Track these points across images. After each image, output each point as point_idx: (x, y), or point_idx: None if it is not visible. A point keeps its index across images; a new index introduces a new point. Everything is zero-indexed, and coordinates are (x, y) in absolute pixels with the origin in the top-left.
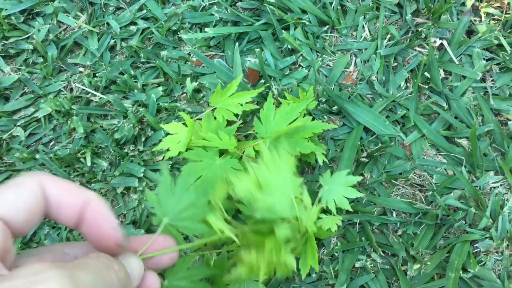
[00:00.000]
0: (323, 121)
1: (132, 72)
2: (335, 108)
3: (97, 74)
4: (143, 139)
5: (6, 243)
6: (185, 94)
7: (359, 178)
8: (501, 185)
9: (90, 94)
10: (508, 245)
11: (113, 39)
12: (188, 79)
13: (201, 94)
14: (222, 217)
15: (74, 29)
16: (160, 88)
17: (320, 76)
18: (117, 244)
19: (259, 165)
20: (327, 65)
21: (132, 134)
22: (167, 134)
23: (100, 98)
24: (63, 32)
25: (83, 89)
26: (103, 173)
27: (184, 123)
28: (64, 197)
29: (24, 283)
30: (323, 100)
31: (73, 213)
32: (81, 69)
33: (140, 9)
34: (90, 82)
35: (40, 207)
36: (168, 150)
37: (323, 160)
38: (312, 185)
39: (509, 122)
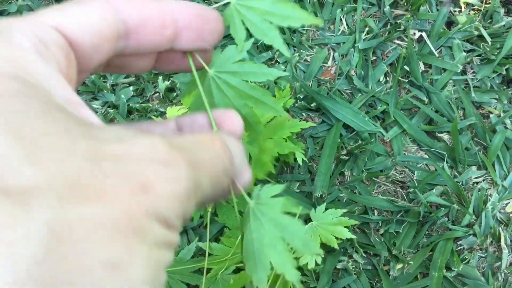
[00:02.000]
0: (301, 119)
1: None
2: (313, 104)
3: None
4: None
5: (69, 69)
6: (157, 94)
7: (354, 222)
8: (483, 180)
9: None
10: (492, 242)
11: None
12: (161, 78)
13: (175, 93)
14: None
15: None
16: (131, 88)
17: (297, 71)
18: (222, 26)
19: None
20: (304, 60)
21: None
22: None
23: None
24: None
25: None
26: None
27: None
28: (146, 11)
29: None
30: (301, 97)
31: (163, 26)
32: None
33: None
34: None
35: (112, 31)
36: None
37: (302, 159)
38: (291, 185)
39: (491, 115)
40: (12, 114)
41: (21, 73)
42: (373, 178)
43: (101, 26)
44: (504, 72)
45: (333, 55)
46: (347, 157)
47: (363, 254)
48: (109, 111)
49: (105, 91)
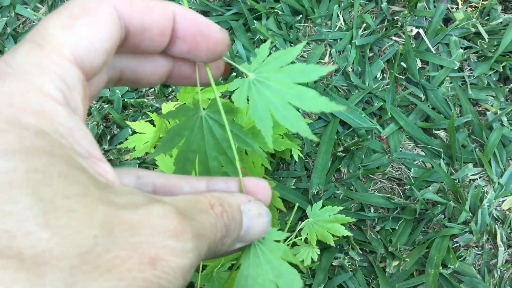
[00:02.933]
0: None
1: None
2: None
3: None
4: (108, 137)
5: (85, 101)
6: (152, 89)
7: (351, 219)
8: (480, 177)
9: None
10: (488, 239)
11: None
12: None
13: (170, 89)
14: None
15: (33, 22)
16: None
17: None
18: (224, 49)
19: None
20: (301, 56)
21: (96, 132)
22: (134, 131)
23: None
24: (21, 25)
25: None
26: None
27: (149, 121)
28: (147, 19)
29: (140, 215)
30: None
31: (162, 34)
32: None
33: None
34: None
35: (117, 43)
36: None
37: (299, 156)
38: (287, 182)
39: (487, 112)
40: (34, 173)
41: (47, 127)
42: (370, 175)
43: (109, 44)
44: (501, 70)
45: (330, 51)
46: (343, 154)
47: (359, 251)
48: (104, 106)
49: None
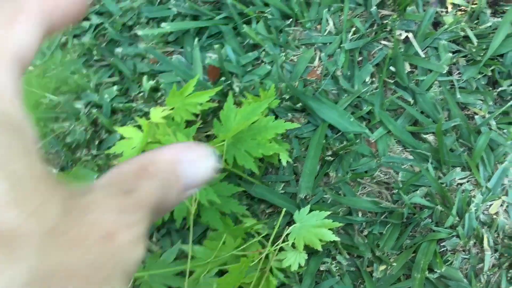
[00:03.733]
0: (286, 120)
1: (85, 71)
2: (299, 105)
3: (47, 74)
4: (96, 142)
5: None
6: (142, 94)
7: (339, 224)
8: (467, 182)
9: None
10: (475, 243)
11: (65, 36)
12: (145, 77)
13: (159, 93)
14: None
15: None
16: (115, 88)
17: (283, 72)
18: None
19: None
20: (291, 60)
21: (85, 137)
22: (122, 136)
23: (51, 99)
24: None
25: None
26: None
27: (137, 126)
28: (68, 12)
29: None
30: (287, 97)
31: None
32: (30, 68)
33: (93, 3)
34: (40, 82)
35: (44, 38)
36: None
37: (287, 161)
38: (276, 187)
39: (476, 116)
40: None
41: (4, 110)
42: (358, 179)
43: (39, 40)
44: (489, 73)
45: (320, 55)
46: (332, 158)
47: (347, 256)
48: (92, 111)
49: (88, 90)
